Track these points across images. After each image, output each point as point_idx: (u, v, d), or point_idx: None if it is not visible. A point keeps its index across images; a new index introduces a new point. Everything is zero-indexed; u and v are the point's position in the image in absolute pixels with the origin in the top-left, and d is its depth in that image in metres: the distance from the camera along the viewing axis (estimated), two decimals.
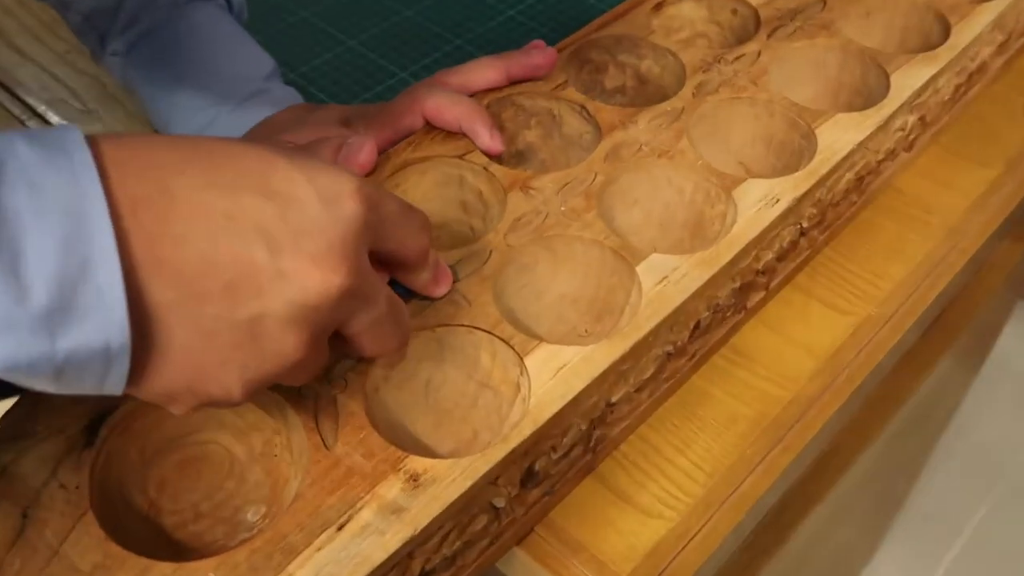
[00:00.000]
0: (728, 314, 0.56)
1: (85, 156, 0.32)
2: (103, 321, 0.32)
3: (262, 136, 0.60)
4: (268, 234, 0.34)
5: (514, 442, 0.44)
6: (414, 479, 0.42)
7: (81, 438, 0.42)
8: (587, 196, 0.54)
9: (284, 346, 0.36)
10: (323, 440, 0.43)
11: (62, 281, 0.31)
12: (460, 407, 0.48)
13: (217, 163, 0.35)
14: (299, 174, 0.36)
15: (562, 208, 0.54)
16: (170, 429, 0.46)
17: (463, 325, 0.48)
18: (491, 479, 0.44)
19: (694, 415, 0.56)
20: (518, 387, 0.47)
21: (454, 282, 0.49)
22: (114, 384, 0.34)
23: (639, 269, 0.51)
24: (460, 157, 0.57)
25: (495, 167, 0.56)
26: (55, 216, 0.31)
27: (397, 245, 0.43)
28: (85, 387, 0.34)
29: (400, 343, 0.43)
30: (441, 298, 0.49)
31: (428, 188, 0.57)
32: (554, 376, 0.46)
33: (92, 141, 0.33)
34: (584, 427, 0.48)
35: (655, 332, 0.49)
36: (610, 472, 0.53)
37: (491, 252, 0.52)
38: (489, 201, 0.56)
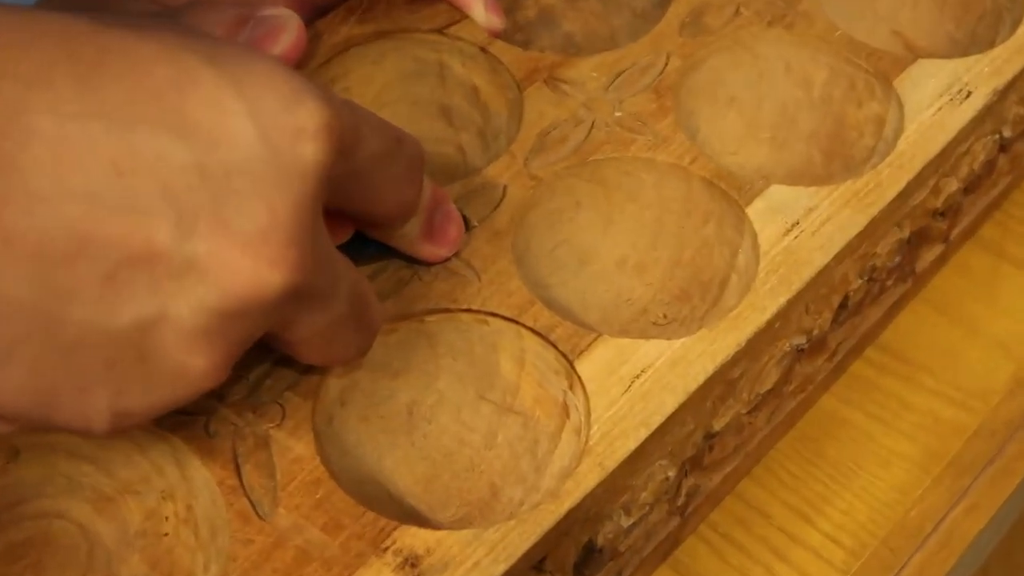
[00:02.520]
0: (889, 283, 0.56)
1: None
2: None
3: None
4: (176, 198, 0.35)
5: (570, 501, 0.43)
6: (412, 565, 0.42)
7: None
8: (657, 92, 0.54)
9: (186, 368, 0.37)
10: (253, 505, 0.43)
11: None
12: (468, 445, 0.48)
13: (102, 70, 0.35)
14: (232, 94, 0.36)
15: (617, 113, 0.54)
16: None
17: (469, 310, 0.48)
18: (533, 562, 0.43)
19: (822, 456, 0.56)
20: (566, 410, 0.47)
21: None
22: None
23: (751, 212, 0.51)
24: (439, 32, 0.56)
25: (500, 46, 0.56)
26: None
27: (371, 201, 0.43)
28: None
29: (361, 351, 0.44)
30: (441, 263, 0.49)
31: (386, 85, 0.56)
32: (627, 390, 0.46)
33: None
34: (672, 474, 0.48)
35: (784, 315, 0.49)
36: (692, 555, 0.53)
37: (504, 190, 0.51)
38: (491, 104, 0.56)
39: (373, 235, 0.47)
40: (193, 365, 0.37)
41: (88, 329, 0.35)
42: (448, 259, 0.49)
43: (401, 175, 0.44)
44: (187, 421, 0.44)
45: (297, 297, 0.38)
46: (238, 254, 0.36)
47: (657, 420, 0.45)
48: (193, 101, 0.35)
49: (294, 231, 0.36)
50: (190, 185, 0.35)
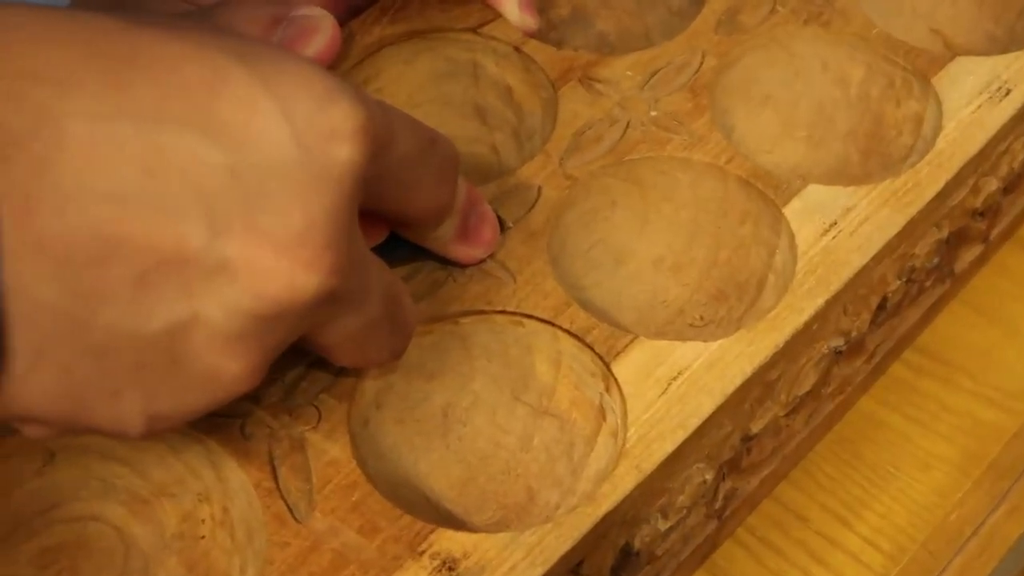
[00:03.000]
0: (928, 284, 0.56)
1: None
2: None
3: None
4: (209, 200, 0.35)
5: (607, 504, 0.43)
6: (449, 568, 0.41)
7: None
8: (692, 91, 0.54)
9: (219, 372, 0.37)
10: (289, 508, 0.43)
11: None
12: (503, 448, 0.48)
13: (132, 69, 0.35)
14: (264, 94, 0.36)
15: (652, 113, 0.53)
16: (27, 497, 0.45)
17: (504, 312, 0.48)
18: (570, 566, 0.43)
19: (860, 459, 0.56)
20: (602, 413, 0.47)
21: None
22: None
23: (788, 212, 0.51)
24: (473, 31, 0.56)
25: (533, 45, 0.56)
26: None
27: (405, 202, 0.43)
28: None
29: (395, 354, 0.44)
30: (476, 264, 0.49)
31: (419, 85, 0.56)
32: (664, 392, 0.46)
33: None
34: (709, 477, 0.48)
35: (822, 316, 0.49)
36: (729, 559, 0.53)
37: (539, 190, 0.51)
38: (525, 103, 0.56)
39: (407, 236, 0.47)
40: (226, 369, 0.37)
41: (119, 332, 0.35)
42: (483, 261, 0.49)
43: (435, 175, 0.44)
44: (222, 423, 0.44)
45: (332, 300, 0.37)
46: (272, 256, 0.35)
47: (694, 423, 0.45)
48: (224, 100, 0.35)
49: (329, 234, 0.36)
50: (222, 186, 0.35)
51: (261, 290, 0.35)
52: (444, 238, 0.47)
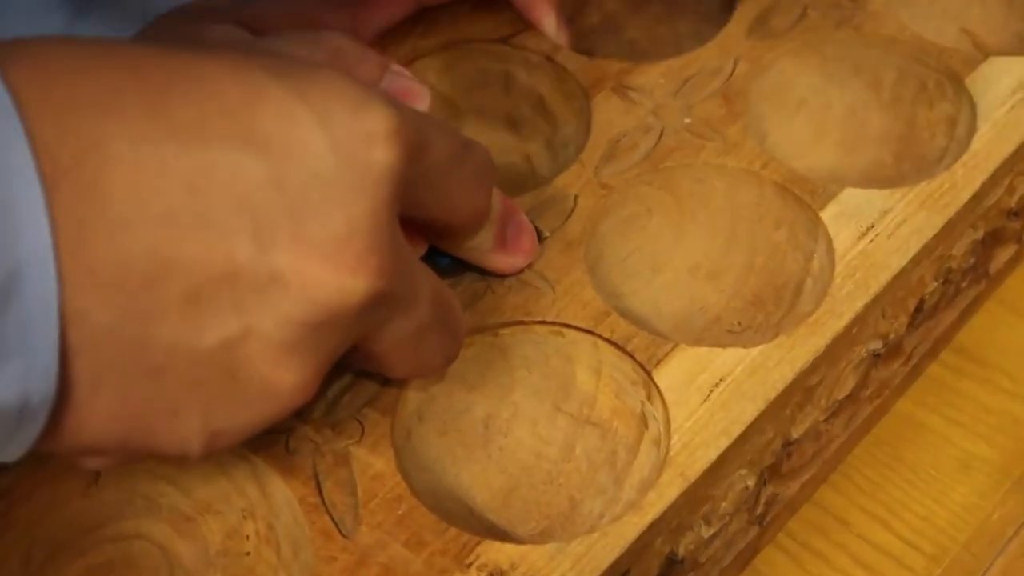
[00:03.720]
0: (963, 285, 0.56)
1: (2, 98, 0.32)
2: (25, 366, 0.32)
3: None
4: (253, 212, 0.35)
5: (653, 513, 0.43)
6: None
7: None
8: (726, 98, 0.54)
9: (275, 384, 0.37)
10: (335, 523, 0.43)
11: None
12: (545, 458, 0.48)
13: (171, 92, 0.35)
14: (302, 107, 0.36)
15: (686, 120, 0.54)
16: (73, 517, 0.45)
17: (544, 322, 0.48)
18: (617, 575, 0.43)
19: (899, 461, 0.56)
20: (644, 421, 0.47)
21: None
22: (16, 448, 0.35)
23: (825, 216, 0.51)
24: (503, 41, 0.56)
25: (565, 55, 0.56)
26: None
27: (442, 207, 0.43)
28: None
29: (448, 358, 0.44)
30: (514, 275, 0.49)
31: (452, 95, 0.57)
32: (706, 399, 0.46)
33: None
34: (751, 483, 0.48)
35: (861, 319, 0.49)
36: (771, 564, 0.53)
37: (576, 200, 0.51)
38: (558, 113, 0.56)
39: (446, 248, 0.47)
40: (283, 380, 0.37)
41: (175, 351, 0.35)
42: (522, 270, 0.49)
43: (471, 180, 0.44)
44: (266, 440, 0.45)
45: (381, 304, 0.38)
46: (319, 264, 0.36)
47: (737, 429, 0.45)
48: (263, 115, 0.36)
49: (373, 237, 0.36)
50: (266, 199, 0.35)
51: (310, 298, 0.36)
52: (482, 248, 0.47)
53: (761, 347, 0.47)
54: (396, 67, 0.46)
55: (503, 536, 0.45)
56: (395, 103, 0.38)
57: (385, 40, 0.56)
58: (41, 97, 0.33)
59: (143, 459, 0.38)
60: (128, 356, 0.35)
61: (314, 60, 0.42)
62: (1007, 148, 0.53)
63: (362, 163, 0.36)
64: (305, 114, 0.36)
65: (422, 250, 0.46)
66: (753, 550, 0.52)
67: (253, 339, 0.36)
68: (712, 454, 0.45)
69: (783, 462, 0.50)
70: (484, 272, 0.49)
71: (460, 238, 0.47)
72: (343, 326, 0.37)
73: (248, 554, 0.45)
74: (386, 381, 0.46)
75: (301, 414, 0.45)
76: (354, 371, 0.46)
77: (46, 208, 0.32)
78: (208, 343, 0.35)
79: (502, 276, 0.49)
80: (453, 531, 0.43)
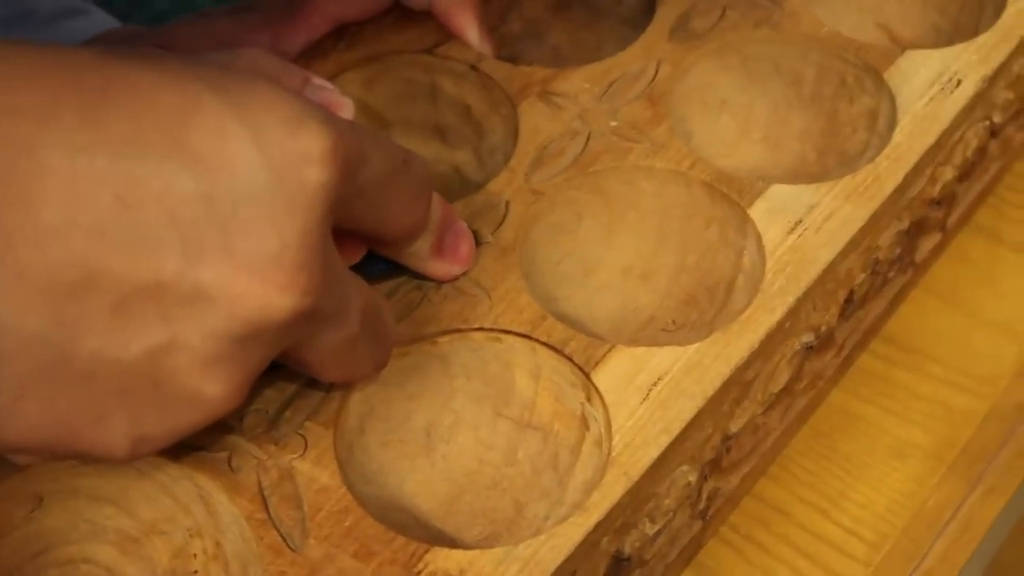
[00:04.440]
0: (891, 275, 0.57)
1: None
2: None
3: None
4: (183, 227, 0.35)
5: (598, 513, 0.43)
6: None
7: None
8: (650, 100, 0.55)
9: (201, 394, 0.37)
10: (283, 537, 0.43)
11: None
12: (488, 464, 0.48)
13: (107, 100, 0.35)
14: (235, 121, 0.36)
15: (612, 123, 0.54)
16: (17, 543, 0.45)
17: (481, 329, 0.48)
18: None
19: (836, 451, 0.57)
20: (585, 422, 0.47)
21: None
22: None
23: (753, 213, 0.51)
24: (429, 52, 0.56)
25: (490, 63, 0.56)
26: None
27: (379, 220, 0.43)
28: None
29: (378, 365, 0.45)
30: (450, 283, 0.49)
31: (379, 107, 0.57)
32: (645, 399, 0.46)
33: None
34: (693, 479, 0.49)
35: (793, 313, 0.49)
36: (715, 558, 0.53)
37: (507, 206, 0.52)
38: (484, 121, 0.56)
39: (384, 254, 0.47)
40: (208, 391, 0.37)
41: (100, 360, 0.36)
42: (459, 277, 0.49)
43: (408, 193, 0.44)
44: (209, 458, 0.45)
45: (308, 319, 0.38)
46: (246, 280, 0.36)
47: (678, 426, 0.45)
48: (197, 129, 0.36)
49: (303, 256, 0.37)
50: (196, 214, 0.35)
51: (236, 313, 0.36)
52: (420, 254, 0.47)
53: (697, 345, 0.47)
54: (318, 80, 0.46)
55: (450, 543, 0.45)
56: (332, 119, 0.38)
57: (308, 55, 0.56)
58: None
59: (69, 458, 0.40)
60: (54, 364, 0.35)
61: (252, 72, 0.42)
62: (928, 139, 0.53)
63: (295, 182, 0.37)
64: (239, 129, 0.36)
65: (359, 256, 0.46)
66: (697, 545, 0.52)
67: (179, 351, 0.36)
68: (654, 452, 0.45)
69: (723, 457, 0.51)
70: (421, 277, 0.49)
71: (398, 246, 0.47)
72: (269, 340, 0.38)
73: (196, 572, 0.45)
74: (328, 393, 0.46)
75: (243, 431, 0.45)
76: (295, 387, 0.46)
77: None
78: (134, 353, 0.36)
79: (439, 282, 0.49)
80: (401, 540, 0.43)
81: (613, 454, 0.45)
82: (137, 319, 0.35)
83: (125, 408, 0.37)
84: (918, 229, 0.57)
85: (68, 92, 0.35)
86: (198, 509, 0.45)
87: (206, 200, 0.36)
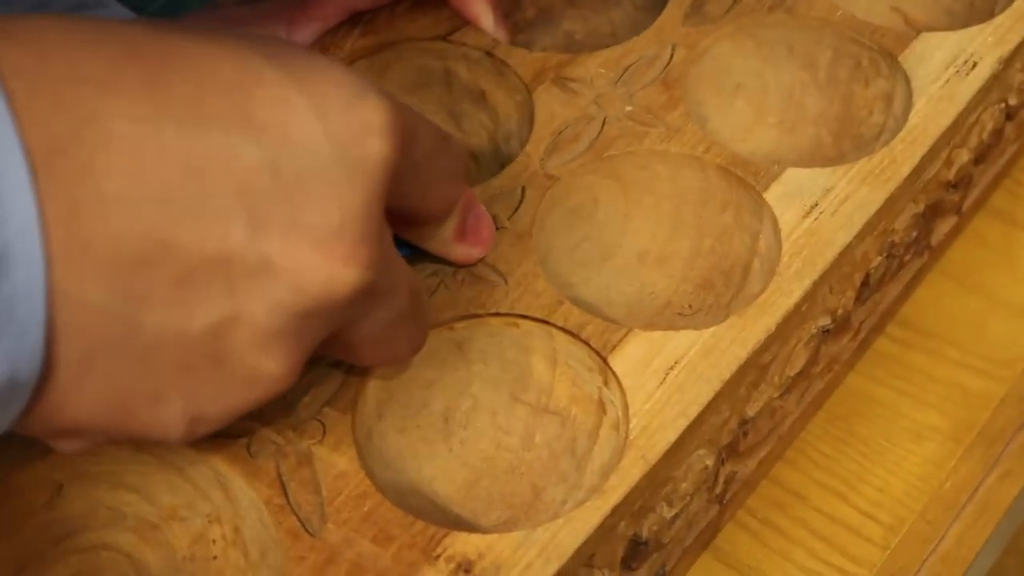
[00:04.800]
0: (907, 258, 0.57)
1: None
2: (11, 345, 0.32)
3: None
4: (249, 197, 0.35)
5: (616, 496, 0.44)
6: (465, 571, 0.42)
7: None
8: (665, 84, 0.55)
9: (260, 370, 0.37)
10: (302, 522, 0.43)
11: None
12: (506, 449, 0.48)
13: (168, 70, 0.35)
14: (298, 94, 0.36)
15: (627, 108, 0.54)
16: (37, 530, 0.45)
17: (498, 314, 0.48)
18: (584, 560, 0.44)
19: (853, 435, 0.57)
20: (602, 407, 0.47)
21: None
22: None
23: (769, 197, 0.51)
24: (443, 39, 0.56)
25: (504, 49, 0.56)
26: None
27: (419, 198, 0.43)
28: None
29: (415, 348, 0.45)
30: (473, 264, 0.49)
31: (394, 94, 0.56)
32: (662, 382, 0.46)
33: None
34: (710, 462, 0.49)
35: (810, 296, 0.49)
36: (732, 542, 0.54)
37: (523, 192, 0.52)
38: (500, 108, 0.56)
39: (409, 237, 0.47)
40: (266, 368, 0.37)
41: (164, 334, 0.35)
42: (479, 261, 0.49)
43: (450, 172, 0.44)
44: (228, 444, 0.45)
45: (367, 295, 0.38)
46: (310, 252, 0.36)
47: (695, 410, 0.46)
48: (259, 100, 0.36)
49: (364, 228, 0.37)
50: (261, 184, 0.35)
51: (301, 286, 0.36)
52: (443, 237, 0.47)
53: (713, 328, 0.47)
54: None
55: (468, 527, 0.45)
56: (388, 93, 0.38)
57: (323, 44, 0.56)
58: (36, 71, 0.33)
59: (119, 441, 0.39)
60: (117, 338, 0.35)
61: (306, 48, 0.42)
62: (943, 122, 0.53)
63: (357, 154, 0.37)
64: (302, 101, 0.36)
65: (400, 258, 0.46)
66: (714, 529, 0.52)
67: (242, 325, 0.36)
68: (671, 436, 0.45)
69: (740, 440, 0.51)
70: (440, 261, 0.49)
71: (427, 227, 0.47)
72: (329, 315, 0.37)
73: (215, 558, 0.45)
74: (346, 379, 0.46)
75: (261, 417, 0.45)
76: (312, 372, 0.46)
77: (32, 185, 0.32)
78: (198, 327, 0.35)
79: (459, 266, 0.49)
80: (419, 524, 0.43)
81: (631, 438, 0.45)
82: (202, 291, 0.35)
83: (183, 387, 0.36)
84: (934, 212, 0.57)
85: (129, 62, 0.35)
86: (217, 495, 0.45)
87: (271, 171, 0.35)
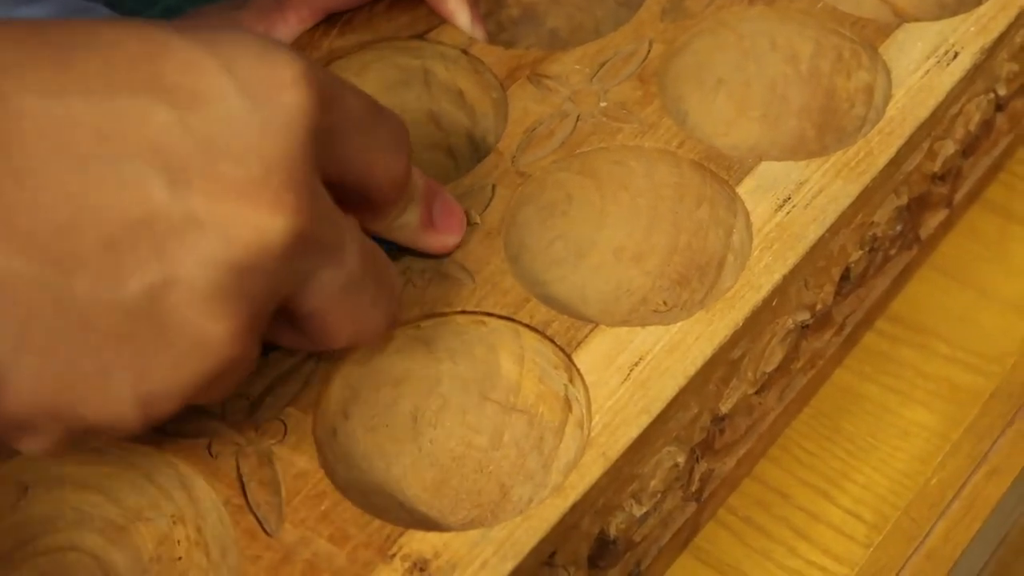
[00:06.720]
0: (893, 252, 0.56)
1: None
2: None
3: None
4: (165, 156, 0.35)
5: (574, 494, 0.43)
6: (420, 569, 0.42)
7: None
8: (641, 79, 0.54)
9: (206, 333, 0.37)
10: (259, 522, 0.43)
11: None
12: (475, 448, 0.48)
13: (77, 51, 0.36)
14: (207, 55, 0.37)
15: (602, 104, 0.54)
16: (3, 532, 0.45)
17: (465, 312, 0.48)
18: (543, 558, 0.43)
19: (839, 432, 0.56)
20: (568, 404, 0.47)
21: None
22: None
23: (742, 191, 0.51)
24: (420, 37, 0.56)
25: (481, 47, 0.56)
26: None
27: (361, 169, 0.43)
28: None
29: (388, 317, 0.43)
30: (445, 256, 0.49)
31: (373, 93, 0.56)
32: (626, 379, 0.46)
33: None
34: (681, 460, 0.48)
35: (781, 290, 0.49)
36: (712, 541, 0.53)
37: (494, 188, 0.51)
38: (477, 105, 0.56)
39: (375, 230, 0.46)
40: (213, 330, 0.36)
41: (96, 301, 0.35)
42: (454, 251, 0.49)
43: (385, 142, 0.43)
44: (190, 445, 0.45)
45: (305, 248, 0.38)
46: (235, 203, 0.36)
47: (658, 406, 0.45)
48: (169, 66, 0.36)
49: (288, 176, 0.37)
50: (177, 142, 0.35)
51: (230, 238, 0.36)
52: (410, 226, 0.47)
53: (680, 324, 0.47)
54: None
55: (434, 527, 0.45)
56: (302, 54, 0.39)
57: (301, 45, 0.56)
58: None
59: (81, 439, 0.38)
60: (50, 309, 0.35)
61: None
62: (922, 113, 0.53)
63: (272, 106, 0.37)
64: (211, 62, 0.37)
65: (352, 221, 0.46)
66: (693, 527, 0.52)
67: (177, 285, 0.36)
68: (633, 432, 0.45)
69: (715, 438, 0.50)
70: (415, 254, 0.49)
71: (385, 213, 0.46)
72: (268, 270, 0.37)
73: (180, 559, 0.45)
74: (309, 380, 0.46)
75: (223, 416, 0.45)
76: (276, 371, 0.46)
77: None
78: (131, 292, 0.35)
79: (435, 257, 0.49)
80: (377, 523, 0.43)
81: (592, 435, 0.45)
82: (130, 255, 0.35)
83: (129, 359, 0.36)
84: (920, 205, 0.56)
85: (37, 46, 0.35)
86: (180, 495, 0.45)
87: (185, 128, 0.36)
